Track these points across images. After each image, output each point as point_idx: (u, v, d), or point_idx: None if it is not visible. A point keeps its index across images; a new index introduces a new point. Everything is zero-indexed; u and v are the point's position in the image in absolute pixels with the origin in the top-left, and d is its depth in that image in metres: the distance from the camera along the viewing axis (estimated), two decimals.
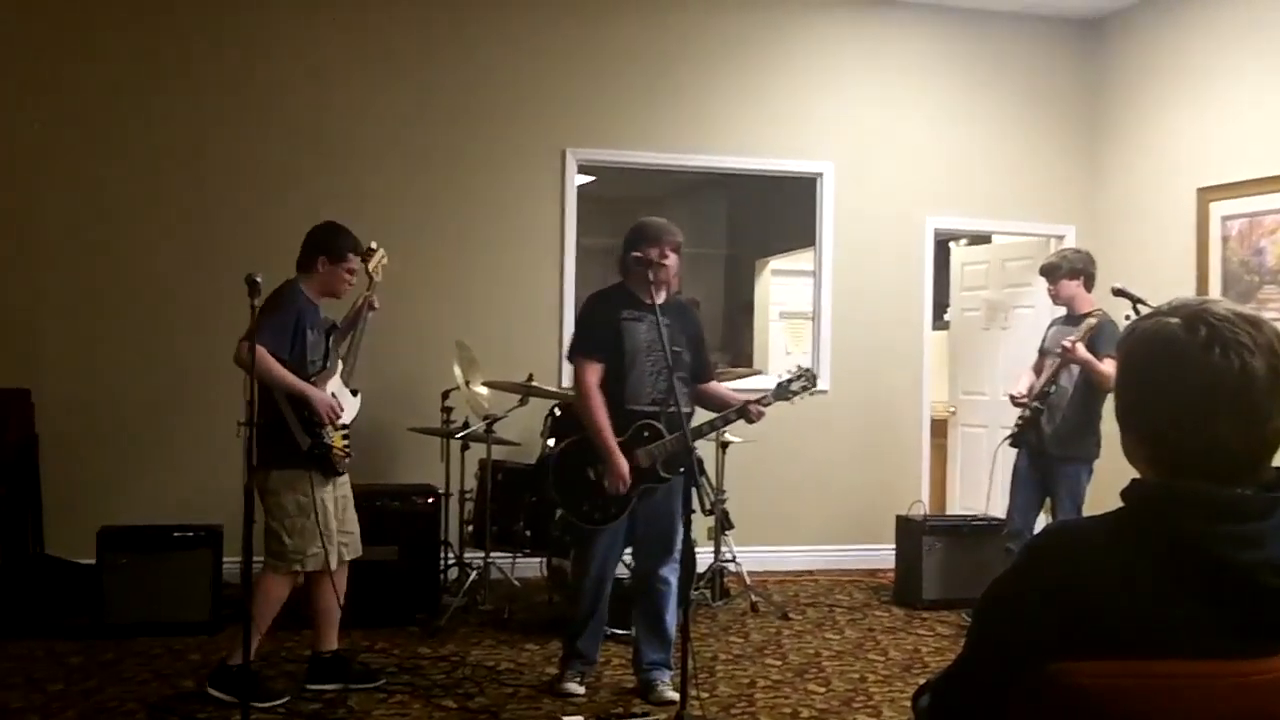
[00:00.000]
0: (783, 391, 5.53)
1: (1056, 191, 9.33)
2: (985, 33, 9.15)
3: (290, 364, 5.13)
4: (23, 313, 7.45)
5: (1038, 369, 7.10)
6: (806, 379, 5.55)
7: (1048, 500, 6.93)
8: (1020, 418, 6.90)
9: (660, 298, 5.32)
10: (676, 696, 5.29)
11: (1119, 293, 6.36)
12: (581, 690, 5.32)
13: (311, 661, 5.53)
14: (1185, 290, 7.97)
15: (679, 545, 5.31)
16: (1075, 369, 6.69)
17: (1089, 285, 6.95)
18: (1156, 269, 8.39)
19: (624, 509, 5.30)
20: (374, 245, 5.59)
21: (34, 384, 7.10)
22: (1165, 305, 1.89)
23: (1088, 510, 6.68)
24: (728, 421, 5.54)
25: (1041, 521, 7.05)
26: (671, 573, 5.39)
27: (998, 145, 9.21)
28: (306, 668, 5.54)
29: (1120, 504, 1.88)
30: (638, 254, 5.31)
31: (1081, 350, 6.53)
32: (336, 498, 5.40)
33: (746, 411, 5.42)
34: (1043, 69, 9.30)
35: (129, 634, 6.17)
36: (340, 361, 5.43)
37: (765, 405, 5.46)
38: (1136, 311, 6.25)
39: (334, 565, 5.36)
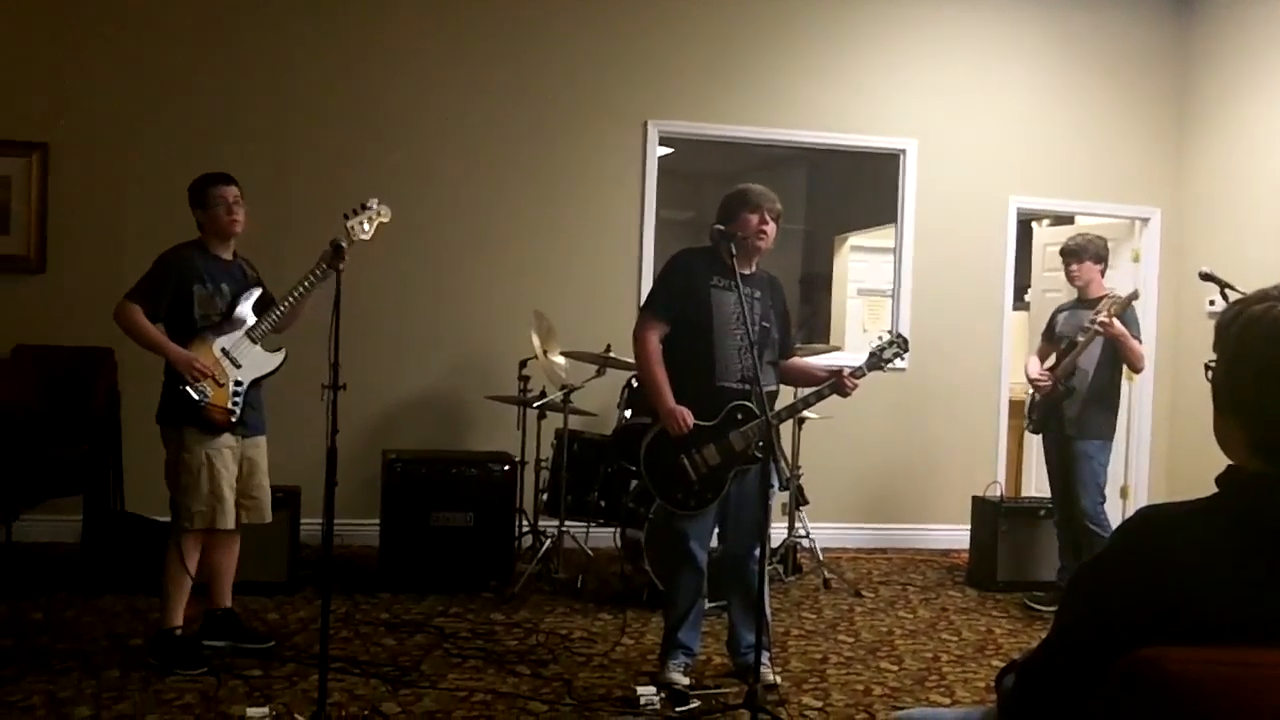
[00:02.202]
0: (876, 361, 5.28)
1: (1143, 172, 9.19)
2: (1072, 9, 9.01)
3: (169, 320, 5.19)
4: (105, 272, 7.54)
5: (1043, 354, 7.24)
6: (899, 344, 5.31)
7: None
8: (1036, 401, 7.07)
9: (751, 268, 5.22)
10: (779, 680, 5.28)
11: (1206, 277, 6.29)
12: (686, 680, 5.17)
13: (205, 618, 5.52)
14: (1276, 275, 7.83)
15: (767, 526, 5.19)
16: (1095, 351, 6.83)
17: (1104, 272, 7.11)
18: (1245, 252, 8.26)
19: (719, 492, 5.12)
20: (369, 204, 5.34)
21: (117, 343, 7.16)
22: (1274, 289, 1.86)
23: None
24: (821, 396, 5.29)
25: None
26: (759, 552, 5.23)
27: (1083, 124, 9.08)
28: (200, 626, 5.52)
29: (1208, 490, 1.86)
30: (737, 220, 5.14)
31: (1119, 325, 6.68)
32: (244, 459, 5.38)
33: (840, 385, 5.21)
34: (1131, 47, 9.15)
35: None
36: (250, 317, 5.33)
37: (859, 377, 5.25)
38: (1224, 296, 6.18)
39: (226, 525, 5.31)
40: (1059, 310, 7.27)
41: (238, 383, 5.30)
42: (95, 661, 5.24)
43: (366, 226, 5.32)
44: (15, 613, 5.93)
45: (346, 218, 5.30)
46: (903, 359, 5.48)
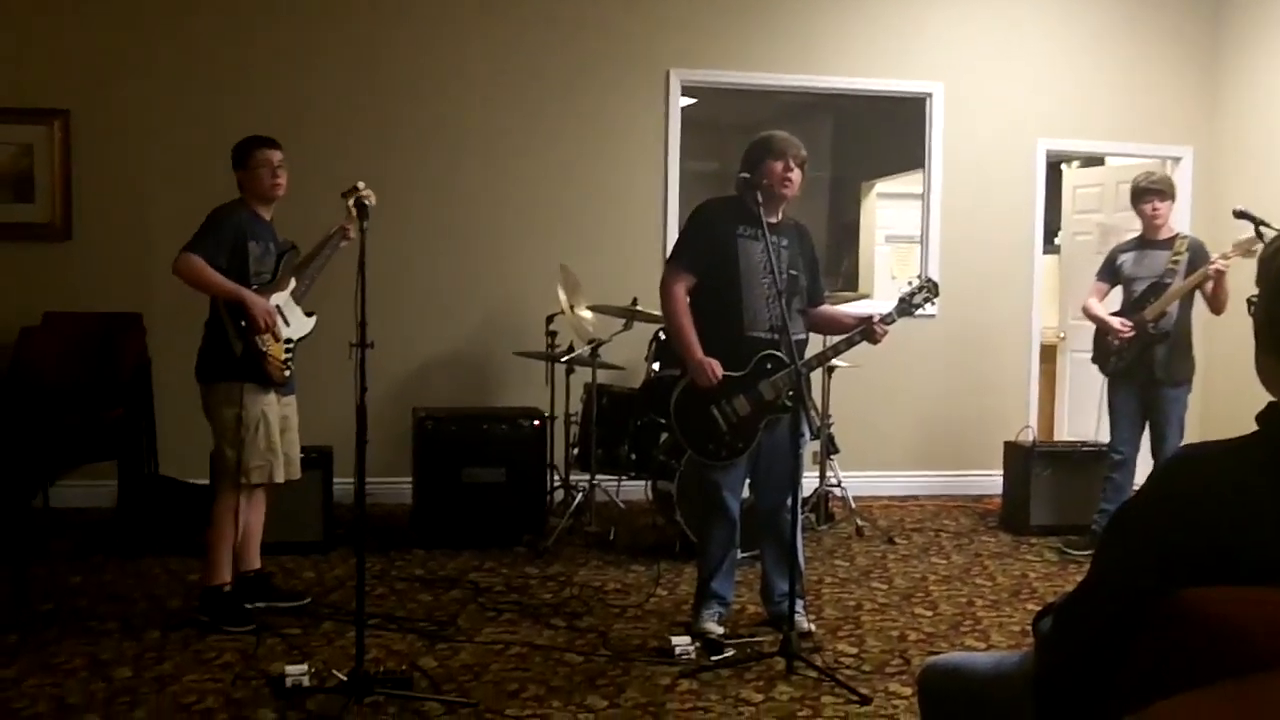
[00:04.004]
0: (906, 307, 5.24)
1: (1173, 111, 9.06)
2: None
3: (228, 274, 5.15)
4: (132, 238, 7.56)
5: (1100, 294, 7.03)
6: (929, 289, 5.26)
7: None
8: (1118, 345, 6.84)
9: (777, 217, 5.18)
10: (813, 627, 5.29)
11: (1241, 215, 6.22)
12: (721, 630, 5.17)
13: (236, 581, 5.47)
14: None
15: (800, 476, 5.18)
16: None
17: None
18: (1278, 190, 8.14)
19: (750, 442, 5.10)
20: (358, 185, 5.24)
21: (145, 308, 7.20)
22: None
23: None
24: (851, 344, 5.23)
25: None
26: (791, 501, 5.17)
27: (1112, 64, 8.95)
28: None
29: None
30: (761, 168, 5.09)
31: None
32: (281, 417, 5.39)
33: (870, 332, 5.15)
34: None
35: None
36: (293, 279, 5.39)
37: (889, 323, 5.17)
38: (1259, 234, 6.15)
39: (280, 479, 5.38)
40: (1120, 250, 7.04)
41: (288, 340, 5.35)
42: (135, 623, 5.29)
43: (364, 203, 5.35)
44: (54, 576, 5.98)
45: (345, 196, 5.22)
46: (933, 304, 5.44)
